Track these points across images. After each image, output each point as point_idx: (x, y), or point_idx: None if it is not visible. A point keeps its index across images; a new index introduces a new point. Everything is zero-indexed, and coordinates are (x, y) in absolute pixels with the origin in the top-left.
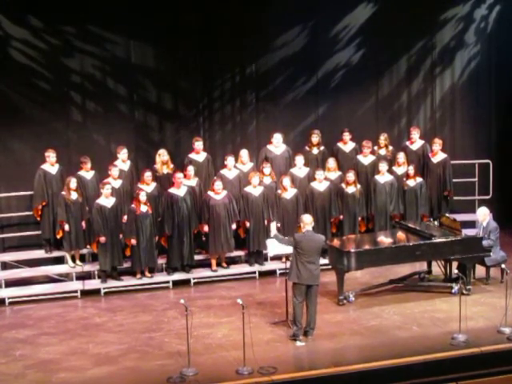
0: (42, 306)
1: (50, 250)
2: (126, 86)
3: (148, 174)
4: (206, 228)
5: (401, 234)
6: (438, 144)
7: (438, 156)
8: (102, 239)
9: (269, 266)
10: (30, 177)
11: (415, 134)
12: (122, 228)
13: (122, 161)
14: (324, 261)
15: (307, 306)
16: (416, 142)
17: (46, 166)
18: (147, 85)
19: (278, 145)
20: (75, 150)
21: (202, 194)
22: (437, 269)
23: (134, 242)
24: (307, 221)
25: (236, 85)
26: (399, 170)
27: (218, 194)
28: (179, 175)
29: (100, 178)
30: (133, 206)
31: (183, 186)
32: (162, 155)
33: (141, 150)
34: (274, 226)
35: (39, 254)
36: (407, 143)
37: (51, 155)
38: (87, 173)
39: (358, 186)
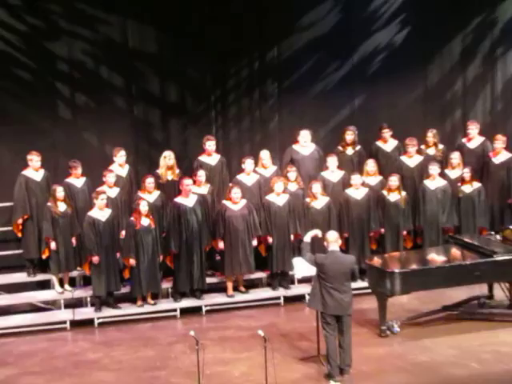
0: (25, 339)
1: (33, 272)
2: (123, 75)
3: (150, 181)
4: (220, 245)
5: (455, 251)
6: (500, 141)
7: (501, 156)
8: (96, 259)
9: (296, 289)
10: (9, 185)
11: (473, 129)
12: (119, 245)
13: (119, 165)
14: (362, 283)
15: (340, 339)
16: (474, 139)
17: (28, 172)
18: (148, 74)
19: (305, 144)
20: (63, 152)
21: (215, 203)
22: (500, 293)
23: (133, 262)
24: (332, 238)
25: (254, 73)
26: (453, 174)
27: (236, 203)
28: (187, 182)
29: (93, 185)
30: (132, 218)
31: (192, 194)
32: (167, 158)
33: (141, 153)
34: (310, 234)
35: (20, 277)
36: (463, 141)
37: (34, 159)
38: (77, 180)
39: (403, 193)
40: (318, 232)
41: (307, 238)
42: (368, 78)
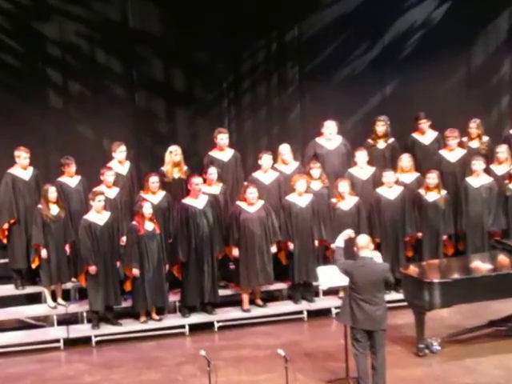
0: (13, 360)
1: (21, 284)
2: (123, 59)
3: (154, 180)
4: (234, 252)
5: (503, 258)
6: None
7: None
8: (93, 269)
9: (321, 303)
10: None
11: None
12: (119, 253)
13: (119, 162)
14: (397, 295)
15: (372, 359)
16: None
17: (15, 170)
18: (151, 58)
19: (330, 137)
20: (55, 147)
21: (228, 205)
22: None
23: (136, 272)
24: (362, 243)
25: (272, 56)
26: (499, 170)
27: (252, 204)
28: (197, 180)
29: (89, 185)
30: (134, 223)
31: (202, 194)
32: (174, 153)
33: (144, 147)
34: (343, 236)
35: (7, 290)
36: (511, 132)
37: (22, 155)
38: (71, 179)
39: (443, 192)
40: (350, 232)
41: (339, 242)
42: (401, 60)
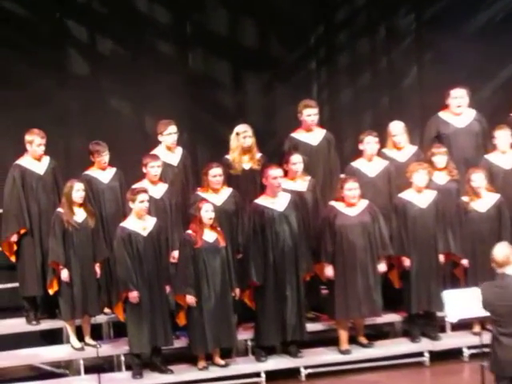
0: None
1: (35, 317)
2: (171, 6)
3: (216, 172)
4: (328, 271)
5: None
6: None
7: None
8: (134, 296)
9: (448, 340)
10: None
11: None
12: (169, 275)
13: (168, 148)
14: None
15: None
16: None
17: (25, 161)
18: (210, 5)
19: (459, 110)
20: (79, 129)
21: (318, 206)
22: None
23: (192, 300)
24: (501, 256)
25: None
26: None
27: (351, 205)
28: (275, 173)
29: (127, 180)
30: (189, 232)
31: (283, 192)
32: (242, 136)
33: (201, 128)
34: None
35: (17, 325)
36: None
37: (36, 140)
38: (103, 172)
39: None
40: None
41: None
42: None
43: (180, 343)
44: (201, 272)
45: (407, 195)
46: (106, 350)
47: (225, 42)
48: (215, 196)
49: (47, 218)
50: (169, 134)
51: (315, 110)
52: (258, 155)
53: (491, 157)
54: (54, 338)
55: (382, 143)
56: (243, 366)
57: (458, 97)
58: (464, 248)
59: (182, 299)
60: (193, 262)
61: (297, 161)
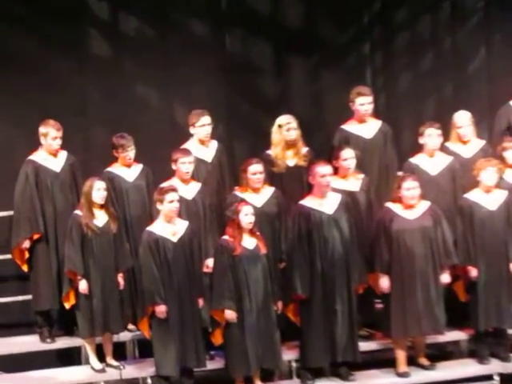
0: None
1: (50, 335)
2: None
3: (256, 169)
4: (383, 283)
5: None
6: None
7: None
8: (162, 311)
9: None
10: (8, 180)
11: None
12: (202, 286)
13: (201, 142)
14: None
15: None
16: None
17: (40, 157)
18: None
19: None
20: (100, 120)
21: (372, 208)
22: None
23: (232, 315)
24: None
25: None
26: None
27: (410, 207)
28: (324, 170)
29: (155, 178)
30: (225, 237)
31: (333, 192)
32: (286, 128)
33: (239, 118)
34: None
35: (30, 343)
36: None
37: (51, 133)
38: (128, 169)
39: None
40: None
41: None
42: None
43: (215, 364)
44: (241, 283)
45: (474, 196)
46: (130, 371)
47: (266, 21)
48: (255, 196)
49: (64, 222)
50: (202, 126)
51: (369, 99)
52: (304, 150)
53: None
54: (71, 358)
55: (446, 136)
56: None
57: None
58: None
59: (218, 314)
60: (231, 271)
61: (348, 156)
